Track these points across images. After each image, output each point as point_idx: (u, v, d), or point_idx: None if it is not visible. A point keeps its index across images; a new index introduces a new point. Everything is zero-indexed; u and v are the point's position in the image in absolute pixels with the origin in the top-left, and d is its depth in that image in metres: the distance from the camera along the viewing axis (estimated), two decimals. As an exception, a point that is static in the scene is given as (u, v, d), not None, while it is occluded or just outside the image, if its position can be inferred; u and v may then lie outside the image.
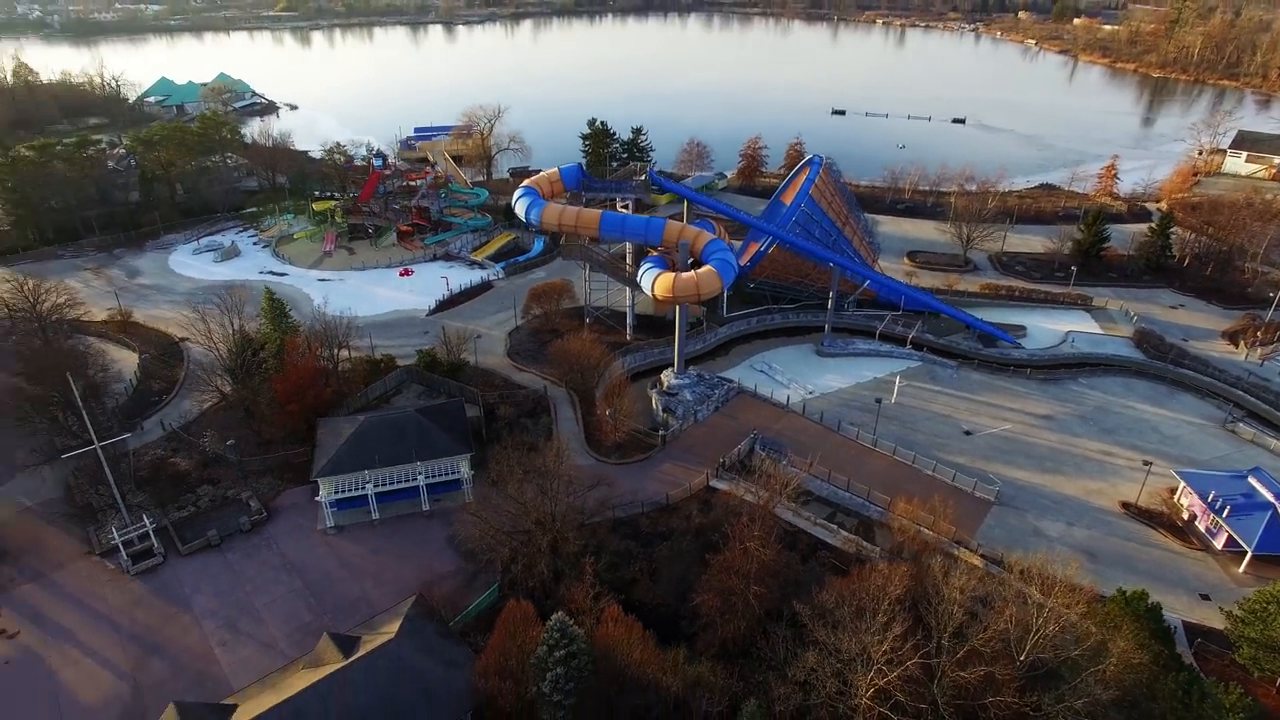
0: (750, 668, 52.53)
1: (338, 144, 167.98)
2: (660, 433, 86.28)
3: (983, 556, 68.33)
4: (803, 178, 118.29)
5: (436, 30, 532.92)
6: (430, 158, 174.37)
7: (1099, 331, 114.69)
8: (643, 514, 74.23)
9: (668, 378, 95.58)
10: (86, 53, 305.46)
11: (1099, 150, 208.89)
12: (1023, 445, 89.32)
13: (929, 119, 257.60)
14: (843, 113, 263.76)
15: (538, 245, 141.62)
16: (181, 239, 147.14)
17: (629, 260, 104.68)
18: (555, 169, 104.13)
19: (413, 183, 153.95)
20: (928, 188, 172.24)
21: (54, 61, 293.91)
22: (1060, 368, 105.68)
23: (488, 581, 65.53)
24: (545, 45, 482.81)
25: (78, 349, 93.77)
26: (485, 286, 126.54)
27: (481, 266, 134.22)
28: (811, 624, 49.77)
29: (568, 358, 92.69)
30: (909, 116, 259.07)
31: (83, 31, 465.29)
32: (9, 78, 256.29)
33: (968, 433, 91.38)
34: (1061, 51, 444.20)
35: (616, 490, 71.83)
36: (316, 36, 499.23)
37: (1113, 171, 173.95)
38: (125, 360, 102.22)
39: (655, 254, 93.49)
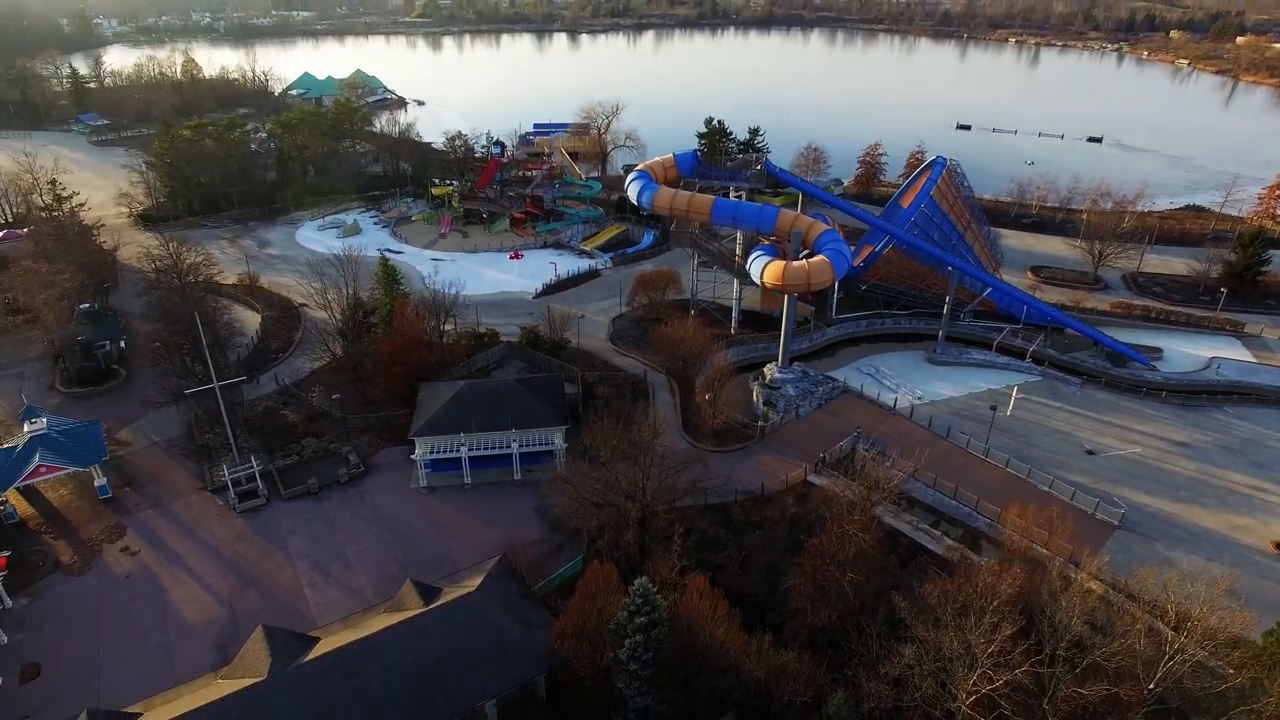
0: (839, 661, 49.37)
1: (459, 133, 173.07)
2: (760, 424, 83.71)
3: (1103, 581, 62.50)
4: (924, 180, 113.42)
5: (561, 38, 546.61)
6: (547, 151, 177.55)
7: (1251, 360, 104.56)
8: (735, 502, 71.87)
9: (771, 371, 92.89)
10: (243, 53, 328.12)
11: (1259, 173, 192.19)
12: (1153, 471, 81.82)
13: (1061, 137, 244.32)
14: (968, 127, 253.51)
15: (647, 238, 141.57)
16: (309, 216, 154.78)
17: (738, 252, 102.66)
18: (670, 154, 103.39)
19: (529, 172, 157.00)
20: (1056, 204, 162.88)
21: (216, 60, 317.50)
22: (1202, 394, 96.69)
23: (573, 553, 64.82)
24: (665, 54, 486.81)
25: (209, 304, 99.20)
26: (592, 274, 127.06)
27: (590, 256, 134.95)
28: (910, 618, 46.32)
29: (670, 343, 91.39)
30: (1039, 134, 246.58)
31: (243, 35, 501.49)
32: (178, 72, 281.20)
33: (1090, 452, 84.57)
34: (1219, 72, 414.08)
35: (710, 474, 69.78)
36: (447, 41, 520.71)
37: (1276, 193, 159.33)
38: (249, 320, 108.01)
39: (766, 243, 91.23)
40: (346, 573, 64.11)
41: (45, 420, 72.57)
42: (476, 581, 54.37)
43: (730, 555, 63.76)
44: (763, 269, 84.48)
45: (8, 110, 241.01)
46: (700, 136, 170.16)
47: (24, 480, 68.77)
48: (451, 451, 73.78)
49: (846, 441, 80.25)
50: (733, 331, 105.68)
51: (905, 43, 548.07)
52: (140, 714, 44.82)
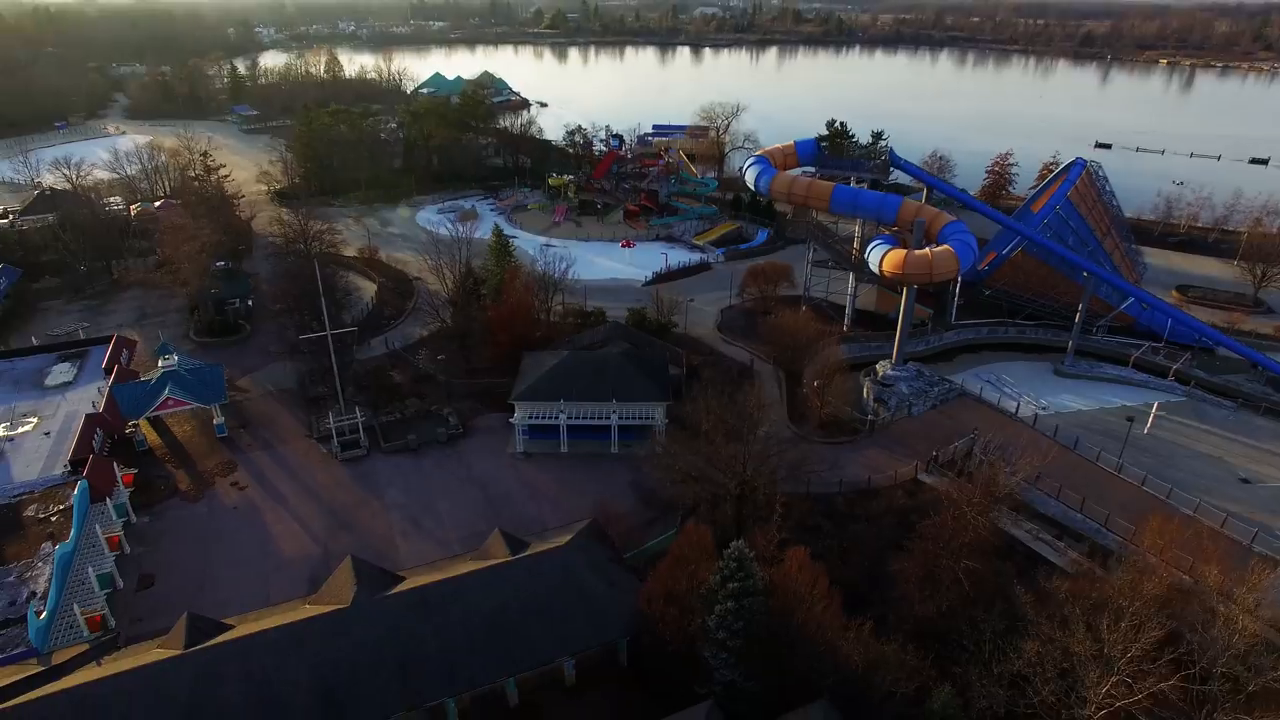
0: (948, 656, 45.15)
1: (579, 127, 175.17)
2: (869, 418, 79.51)
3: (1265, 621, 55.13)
4: (1060, 182, 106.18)
5: (684, 51, 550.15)
6: (664, 151, 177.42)
7: None
8: (840, 493, 68.15)
9: (883, 368, 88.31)
10: (381, 57, 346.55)
11: None
12: (1322, 506, 72.67)
13: (1218, 158, 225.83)
14: (1108, 146, 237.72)
15: (761, 235, 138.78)
16: (430, 200, 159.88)
17: (855, 246, 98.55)
18: (791, 142, 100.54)
19: (646, 167, 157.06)
20: (1209, 223, 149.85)
21: (356, 62, 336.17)
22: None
23: (666, 527, 62.76)
24: (788, 69, 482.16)
25: (329, 269, 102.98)
26: (703, 267, 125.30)
27: (702, 250, 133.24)
28: (1034, 612, 41.80)
29: (781, 332, 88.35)
30: (1191, 154, 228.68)
31: (382, 42, 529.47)
32: (321, 70, 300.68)
33: (1245, 480, 76.03)
34: None
35: (814, 460, 66.41)
36: (573, 52, 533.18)
37: None
38: (366, 289, 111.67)
39: (886, 233, 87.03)
40: (437, 525, 64.25)
41: (176, 359, 76.45)
42: (565, 539, 53.04)
43: (831, 545, 60.10)
44: (882, 257, 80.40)
45: (177, 102, 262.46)
46: (820, 140, 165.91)
47: (154, 410, 72.75)
48: (550, 418, 73.16)
49: (962, 442, 74.96)
50: (845, 329, 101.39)
51: (1042, 64, 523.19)
52: (233, 625, 45.47)
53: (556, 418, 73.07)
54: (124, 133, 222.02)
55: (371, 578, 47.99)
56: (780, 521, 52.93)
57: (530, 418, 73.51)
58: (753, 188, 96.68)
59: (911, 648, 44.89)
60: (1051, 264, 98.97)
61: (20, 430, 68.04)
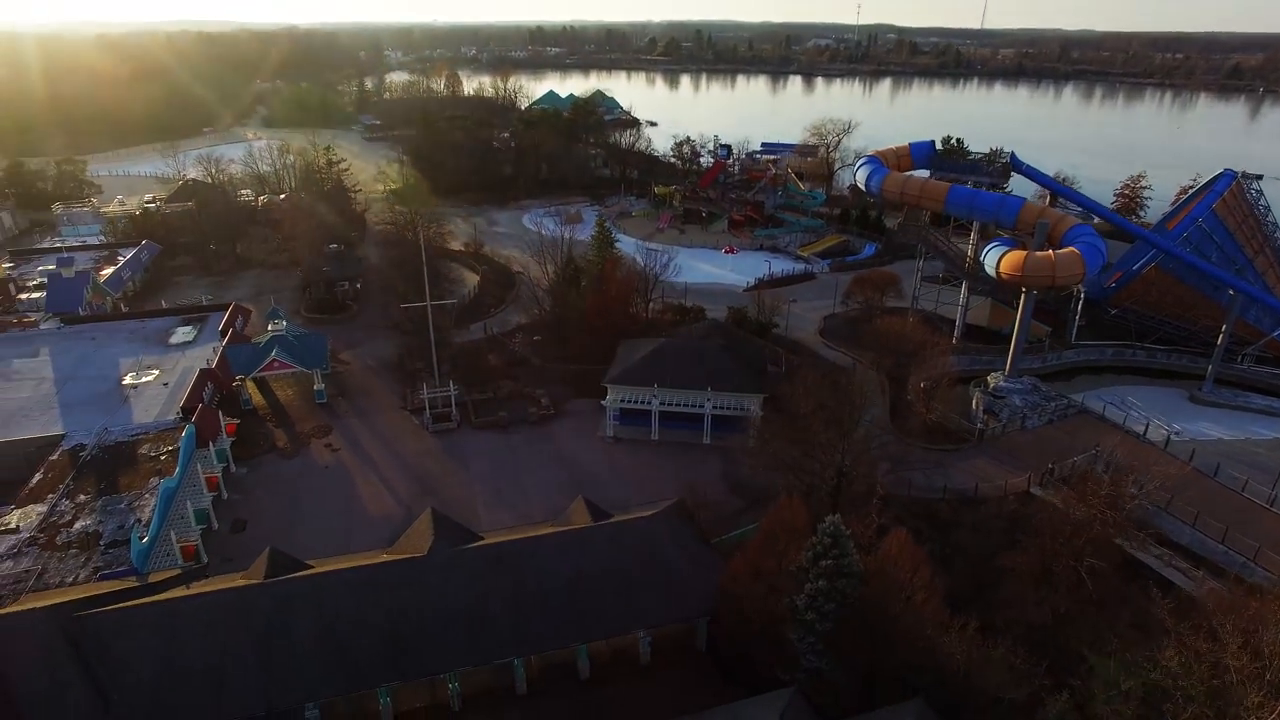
0: (1064, 665, 40.42)
1: (687, 138, 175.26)
2: (978, 427, 74.41)
3: None
4: (1202, 196, 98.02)
5: (795, 80, 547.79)
6: (772, 164, 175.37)
7: None
8: (943, 500, 63.55)
9: (995, 379, 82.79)
10: (498, 78, 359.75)
11: None
12: None
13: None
14: (1259, 177, 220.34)
15: (868, 249, 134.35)
16: (537, 204, 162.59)
17: (969, 253, 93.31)
18: (906, 144, 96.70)
19: (753, 179, 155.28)
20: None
21: (475, 81, 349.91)
22: None
23: (755, 518, 59.74)
24: (902, 99, 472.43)
25: (434, 256, 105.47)
26: (807, 276, 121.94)
27: (806, 262, 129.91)
28: (1173, 620, 36.84)
29: (886, 337, 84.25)
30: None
31: (500, 65, 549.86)
32: (441, 86, 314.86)
33: None
34: None
35: (916, 461, 62.30)
36: (684, 78, 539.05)
37: None
38: (469, 279, 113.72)
39: (1004, 236, 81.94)
40: (520, 498, 63.41)
41: (285, 325, 79.12)
42: (650, 514, 51.01)
43: (932, 550, 55.66)
44: (1000, 257, 75.47)
45: (309, 113, 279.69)
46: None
47: (261, 370, 75.62)
48: (643, 403, 71.55)
49: (1082, 458, 68.85)
50: (954, 342, 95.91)
51: (1180, 98, 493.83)
52: (312, 565, 45.44)
53: (649, 403, 71.39)
54: (260, 138, 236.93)
55: (450, 531, 47.14)
56: (880, 507, 49.28)
57: (622, 401, 72.11)
58: (863, 187, 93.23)
59: (1022, 651, 40.52)
60: (1189, 282, 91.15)
61: (143, 380, 71.65)
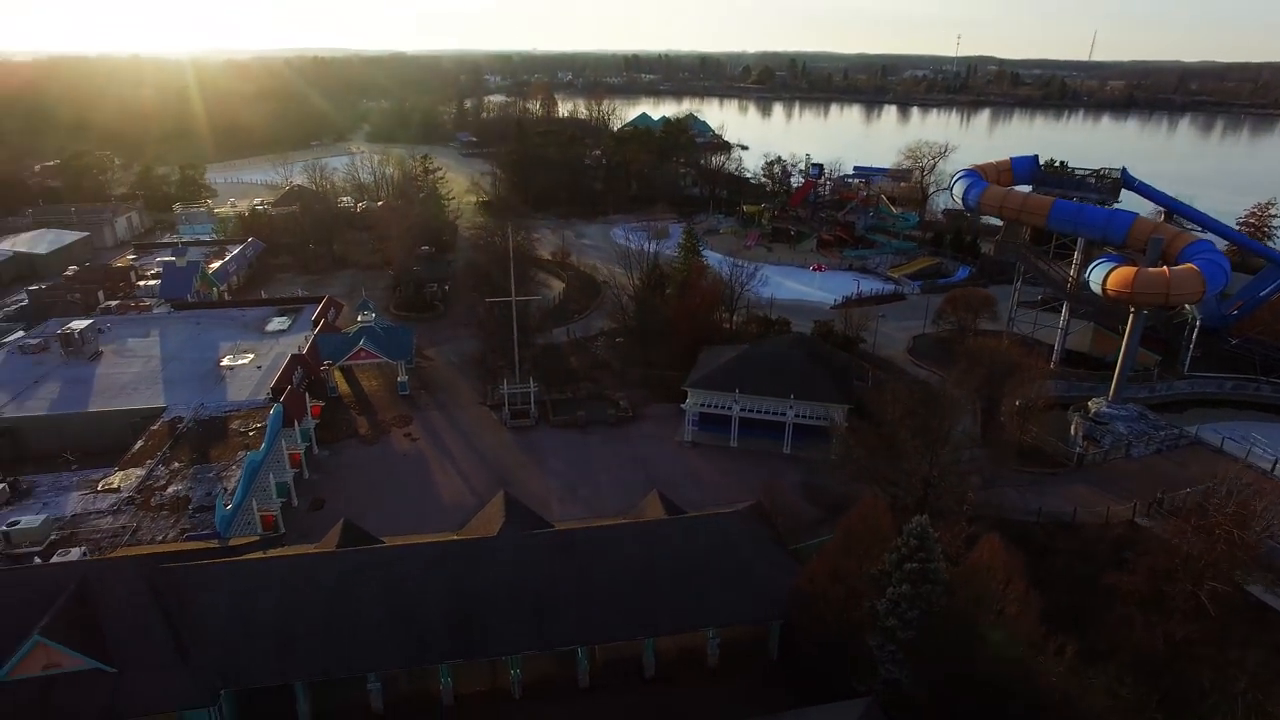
0: (1181, 699, 36.59)
1: (778, 158, 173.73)
2: (1076, 451, 69.79)
3: None
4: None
5: (890, 110, 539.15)
6: (865, 184, 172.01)
7: None
8: (1038, 523, 59.51)
9: (1097, 405, 77.72)
10: (593, 101, 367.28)
11: None
12: None
13: None
14: None
15: (962, 272, 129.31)
16: (625, 219, 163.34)
17: (1072, 274, 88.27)
18: (1007, 158, 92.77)
19: (845, 201, 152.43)
20: None
21: (569, 104, 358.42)
22: None
23: (835, 529, 57.17)
24: (1003, 129, 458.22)
25: (521, 261, 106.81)
26: (897, 297, 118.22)
27: (896, 283, 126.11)
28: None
29: (979, 355, 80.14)
30: None
31: (595, 90, 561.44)
32: (537, 108, 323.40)
33: None
34: None
35: (1010, 477, 58.60)
36: (777, 106, 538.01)
37: None
38: (555, 286, 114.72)
39: (1112, 253, 77.22)
40: (594, 496, 62.56)
41: (374, 317, 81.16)
42: (725, 511, 49.35)
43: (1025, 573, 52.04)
44: (1107, 274, 70.90)
45: (409, 129, 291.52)
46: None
47: (348, 359, 77.49)
48: (723, 408, 69.95)
49: (1197, 490, 63.33)
50: (1052, 367, 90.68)
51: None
52: (383, 540, 45.58)
53: (729, 409, 69.74)
54: (363, 152, 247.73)
55: (521, 515, 46.65)
56: (970, 516, 46.25)
57: (702, 406, 70.70)
58: (959, 201, 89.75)
59: (1130, 680, 36.92)
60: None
61: (239, 362, 74.61)
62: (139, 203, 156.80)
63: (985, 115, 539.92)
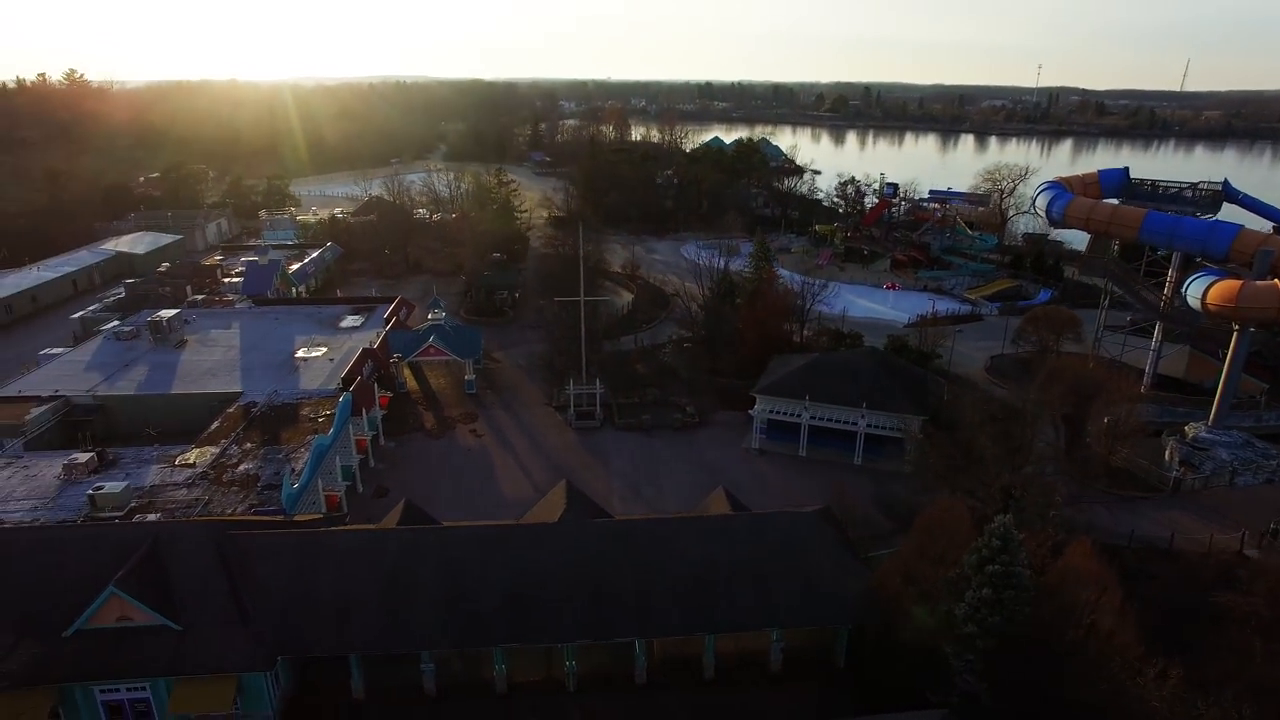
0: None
1: (851, 178, 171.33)
2: (1173, 475, 65.48)
3: None
4: None
5: (967, 139, 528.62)
6: (942, 205, 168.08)
7: None
8: (1129, 547, 55.75)
9: (1194, 430, 72.99)
10: (665, 126, 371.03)
11: None
12: None
13: None
14: None
15: (1043, 295, 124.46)
16: (694, 237, 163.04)
17: (1166, 292, 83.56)
18: (1094, 170, 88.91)
19: (920, 222, 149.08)
20: None
21: (642, 129, 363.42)
22: None
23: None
24: (1085, 158, 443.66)
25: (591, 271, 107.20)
26: (974, 317, 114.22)
27: (973, 304, 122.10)
28: None
29: (1063, 374, 76.31)
30: None
31: (667, 116, 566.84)
32: (610, 130, 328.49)
33: None
34: None
35: (1095, 496, 55.24)
36: (851, 134, 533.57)
37: None
38: (624, 296, 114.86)
39: (1212, 268, 72.85)
40: (657, 496, 61.53)
41: (444, 315, 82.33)
42: (793, 511, 47.59)
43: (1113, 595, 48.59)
44: (1206, 289, 66.76)
45: (485, 149, 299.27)
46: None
47: (418, 355, 78.75)
48: (792, 416, 68.16)
49: (1325, 524, 58.59)
50: (1143, 390, 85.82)
51: None
52: (443, 522, 45.34)
53: (799, 416, 67.90)
54: (440, 169, 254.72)
55: (583, 505, 45.88)
56: (1055, 522, 43.45)
57: (770, 413, 69.06)
58: (1042, 213, 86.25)
59: (1248, 713, 33.59)
60: None
61: (313, 355, 76.36)
62: (229, 210, 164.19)
63: (1068, 144, 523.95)
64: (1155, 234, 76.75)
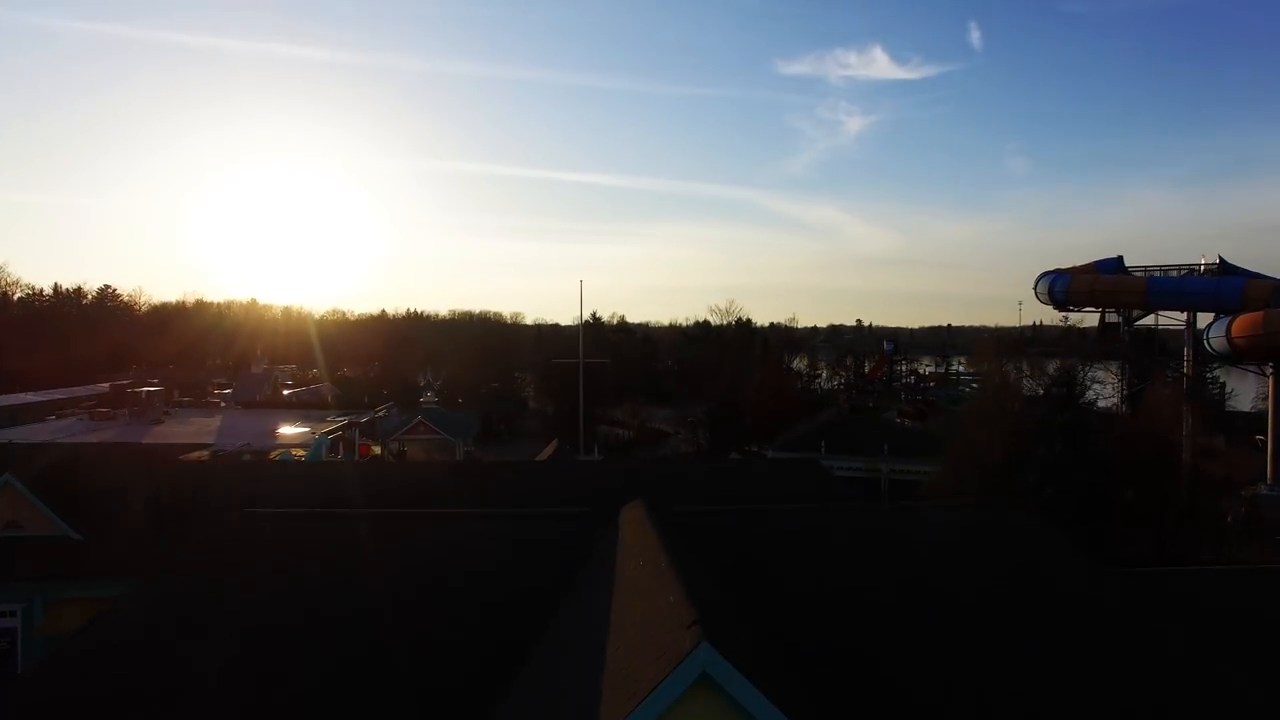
0: None
1: (850, 351, 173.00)
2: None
3: None
4: None
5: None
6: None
7: None
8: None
9: (1252, 490, 66.80)
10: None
11: None
12: None
13: None
14: None
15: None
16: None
17: (1187, 354, 79.85)
18: (1090, 262, 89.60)
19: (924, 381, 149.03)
20: None
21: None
22: None
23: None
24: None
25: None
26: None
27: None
28: None
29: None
30: None
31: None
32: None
33: None
34: None
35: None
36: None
37: None
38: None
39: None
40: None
41: (436, 400, 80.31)
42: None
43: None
44: (1230, 323, 64.55)
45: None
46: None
47: (404, 433, 76.17)
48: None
49: None
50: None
51: None
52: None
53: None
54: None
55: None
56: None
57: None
58: (1045, 299, 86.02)
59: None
60: None
61: (295, 430, 72.85)
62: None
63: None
64: (1162, 295, 75.97)
